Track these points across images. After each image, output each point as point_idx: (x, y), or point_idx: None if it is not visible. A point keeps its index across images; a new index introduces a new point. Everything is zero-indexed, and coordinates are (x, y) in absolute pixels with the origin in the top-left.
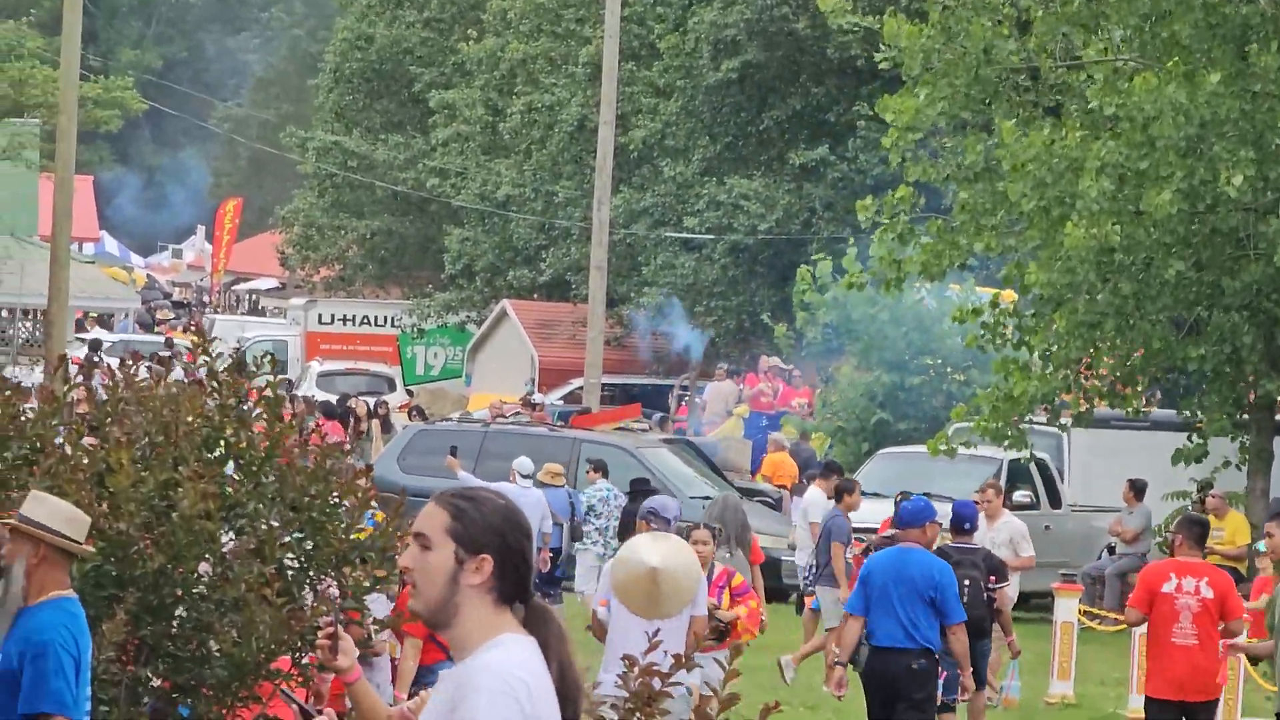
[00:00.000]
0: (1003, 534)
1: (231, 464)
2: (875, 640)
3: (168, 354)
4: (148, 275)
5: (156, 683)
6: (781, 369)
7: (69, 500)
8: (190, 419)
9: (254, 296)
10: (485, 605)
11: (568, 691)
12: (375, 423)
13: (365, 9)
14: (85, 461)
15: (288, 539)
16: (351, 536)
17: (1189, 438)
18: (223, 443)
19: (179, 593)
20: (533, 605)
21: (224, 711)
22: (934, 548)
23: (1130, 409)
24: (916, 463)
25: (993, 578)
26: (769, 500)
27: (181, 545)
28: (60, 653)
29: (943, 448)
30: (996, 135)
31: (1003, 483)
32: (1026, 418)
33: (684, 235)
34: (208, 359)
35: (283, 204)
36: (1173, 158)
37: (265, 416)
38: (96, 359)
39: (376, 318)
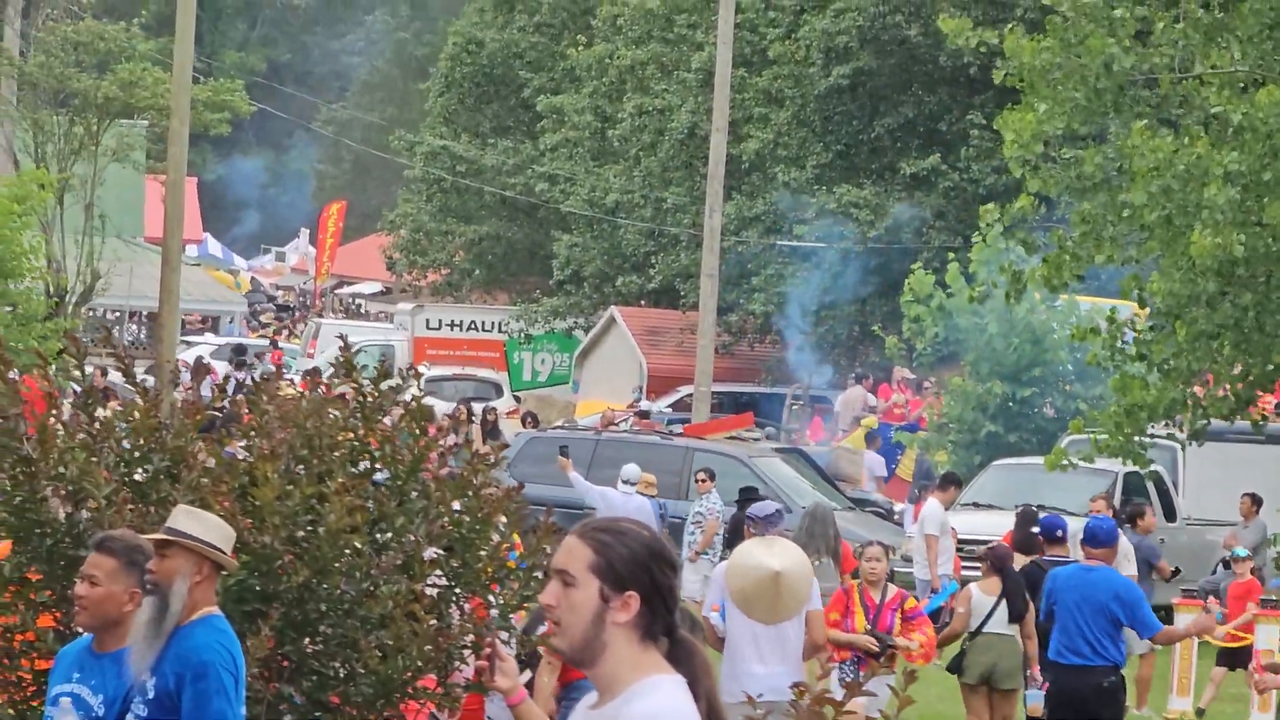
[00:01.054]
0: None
1: (380, 474)
2: (1062, 659)
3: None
4: (251, 279)
5: (300, 700)
6: (911, 380)
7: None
8: (336, 432)
9: (357, 300)
10: (632, 643)
11: None
12: (475, 428)
13: (478, 12)
14: (228, 474)
15: (435, 556)
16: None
17: None
18: (368, 456)
19: (323, 608)
20: (678, 640)
21: None
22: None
23: (1254, 422)
24: (1030, 475)
25: None
26: (880, 510)
27: (326, 560)
28: (221, 673)
29: (1062, 462)
30: (1119, 143)
31: (1118, 496)
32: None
33: (795, 243)
34: (353, 370)
35: (388, 208)
36: None
37: (411, 430)
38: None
39: (484, 323)
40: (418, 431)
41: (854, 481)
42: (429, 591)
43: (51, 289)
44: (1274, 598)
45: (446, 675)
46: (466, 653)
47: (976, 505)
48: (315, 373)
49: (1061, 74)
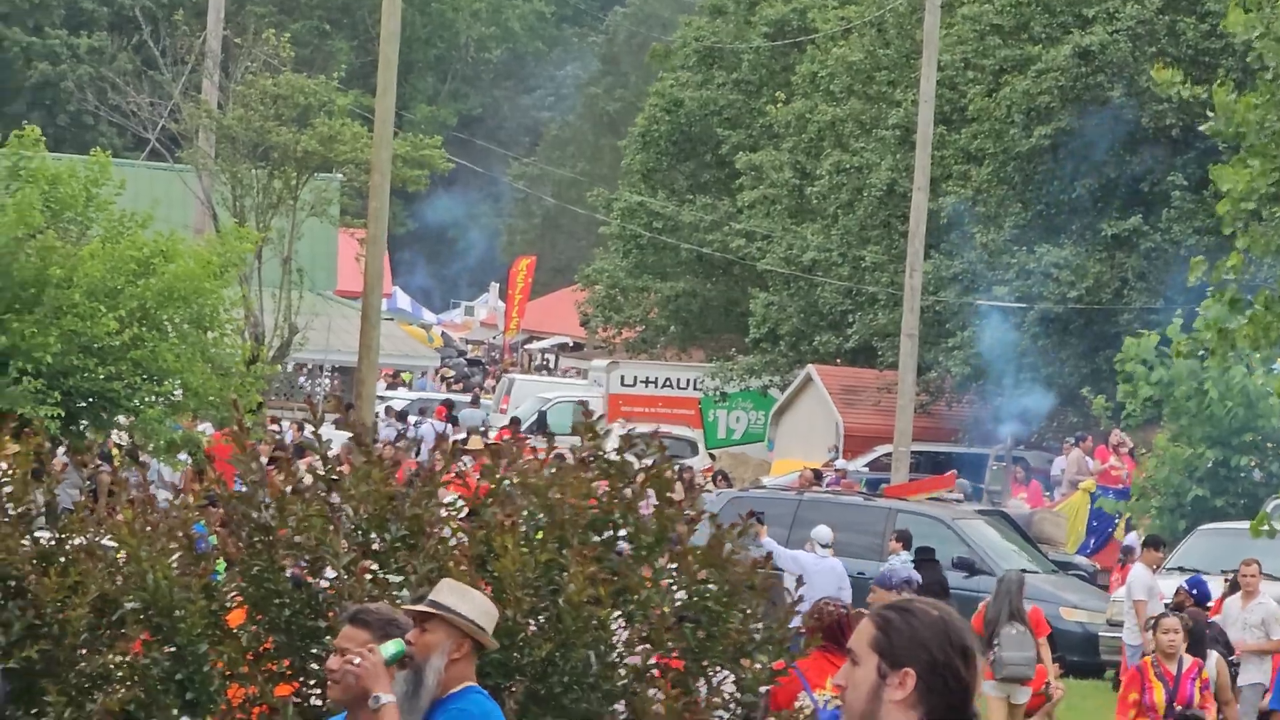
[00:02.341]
0: (1255, 615)
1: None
2: None
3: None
4: (442, 333)
5: None
6: (1127, 443)
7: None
8: (576, 501)
9: (545, 355)
10: None
11: None
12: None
13: (677, 71)
14: (467, 543)
15: (680, 627)
16: (751, 627)
17: None
18: (612, 525)
19: (566, 681)
20: None
21: None
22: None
23: None
24: (1237, 540)
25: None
26: (1084, 574)
27: (570, 632)
28: None
29: (1264, 528)
30: None
31: None
32: None
33: (994, 303)
34: (595, 438)
35: (578, 262)
36: None
37: (655, 499)
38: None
39: (679, 380)
40: (661, 500)
41: (1057, 544)
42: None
43: (248, 342)
44: None
45: None
46: None
47: (1182, 570)
48: (515, 423)
49: (1272, 134)
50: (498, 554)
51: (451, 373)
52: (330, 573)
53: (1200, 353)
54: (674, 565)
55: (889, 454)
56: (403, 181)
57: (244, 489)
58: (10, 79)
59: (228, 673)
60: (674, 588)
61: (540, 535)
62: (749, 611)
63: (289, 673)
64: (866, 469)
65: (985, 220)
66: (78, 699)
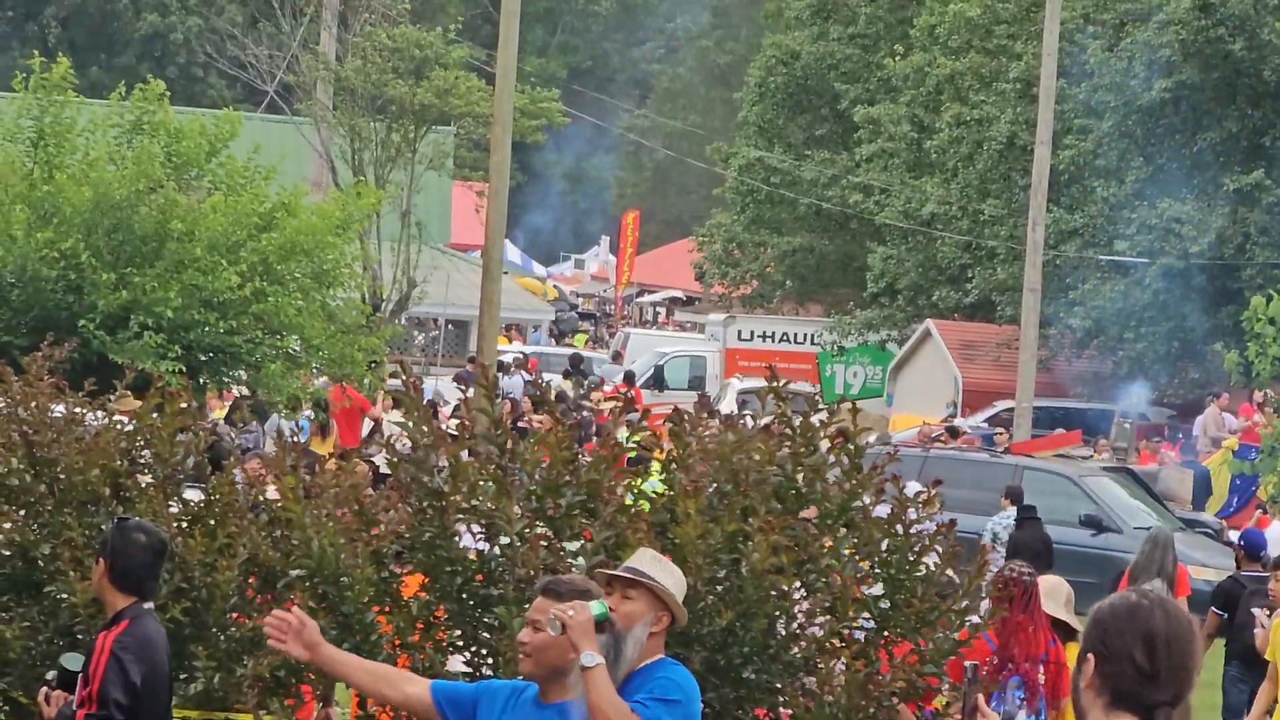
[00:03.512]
0: None
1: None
2: None
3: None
4: (555, 286)
5: None
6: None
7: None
8: (761, 467)
9: (657, 309)
10: (1096, 708)
11: None
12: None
13: (792, 23)
14: (647, 510)
15: (864, 596)
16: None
17: None
18: (794, 493)
19: (746, 652)
20: (1157, 713)
21: None
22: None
23: None
24: None
25: None
26: (1210, 531)
27: (751, 602)
28: (692, 705)
29: None
30: None
31: None
32: None
33: (1115, 258)
34: (781, 402)
35: (688, 215)
36: None
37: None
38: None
39: (796, 335)
40: (849, 466)
41: (1183, 502)
42: (857, 635)
43: (368, 297)
44: None
45: None
46: (895, 700)
47: None
48: (630, 376)
49: None
50: (679, 520)
51: (586, 328)
52: (504, 539)
53: None
54: (855, 536)
55: (1008, 409)
56: (520, 134)
57: (416, 452)
58: (120, 30)
59: (397, 641)
60: (856, 557)
61: (724, 502)
62: (930, 582)
63: (460, 643)
64: (986, 424)
65: (1106, 174)
66: (227, 663)
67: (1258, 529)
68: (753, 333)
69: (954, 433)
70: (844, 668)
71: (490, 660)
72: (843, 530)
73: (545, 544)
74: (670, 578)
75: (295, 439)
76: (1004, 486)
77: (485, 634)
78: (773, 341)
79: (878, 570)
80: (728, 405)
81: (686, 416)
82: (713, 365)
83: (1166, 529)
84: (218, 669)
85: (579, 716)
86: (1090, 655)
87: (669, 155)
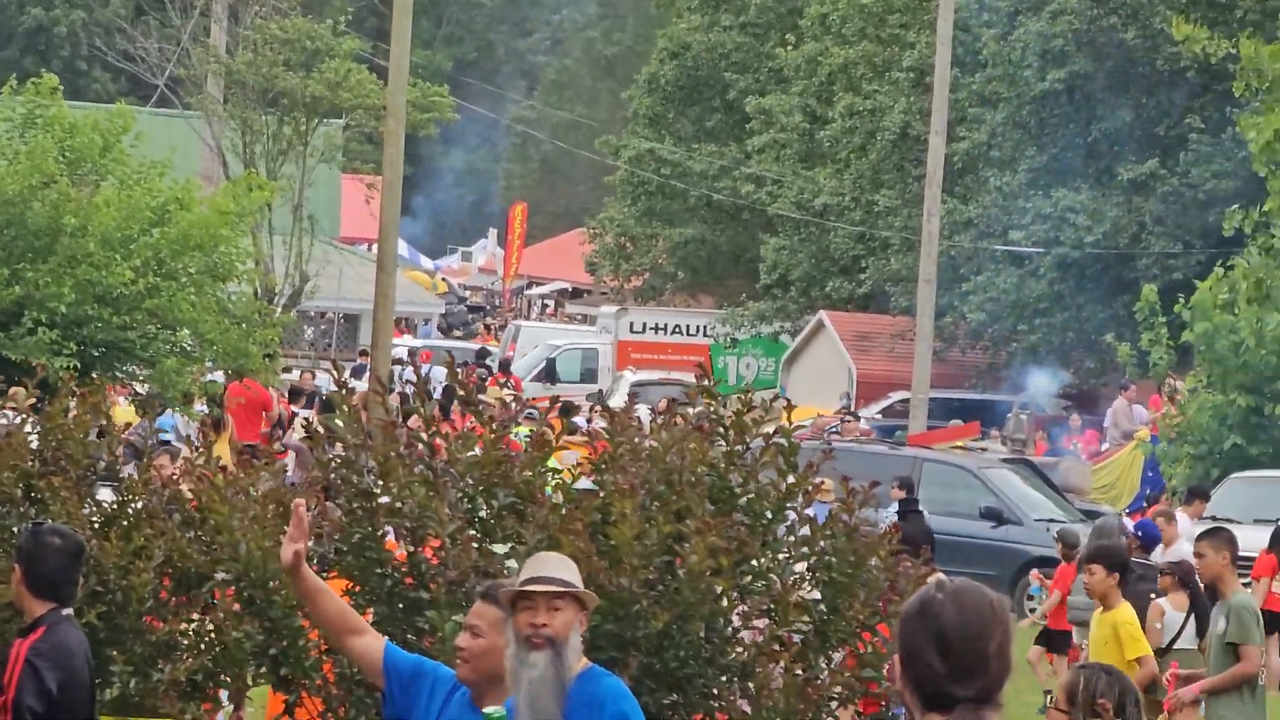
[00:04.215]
0: (1174, 559)
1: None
2: None
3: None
4: (445, 280)
5: None
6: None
7: (565, 554)
8: (695, 467)
9: (545, 301)
10: (916, 709)
11: None
12: None
13: (684, 11)
14: (580, 511)
15: (803, 600)
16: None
17: None
18: (728, 493)
19: (683, 655)
20: (957, 710)
21: None
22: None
23: None
24: (1271, 488)
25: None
26: None
27: (688, 604)
28: None
29: None
30: None
31: None
32: None
33: (1010, 248)
34: (712, 401)
35: (576, 207)
36: None
37: (775, 465)
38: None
39: (688, 327)
40: (784, 466)
41: (1083, 494)
42: (796, 639)
43: (260, 291)
44: None
45: None
46: (834, 705)
47: (1214, 519)
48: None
49: None
50: (615, 522)
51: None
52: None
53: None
54: (792, 538)
55: (902, 400)
56: (412, 127)
57: (346, 452)
58: (3, 24)
59: (324, 646)
60: (790, 560)
61: (657, 502)
62: (873, 586)
63: None
64: (880, 416)
65: (1000, 164)
66: (143, 668)
67: (1151, 522)
68: (645, 325)
69: (855, 416)
70: (783, 671)
71: None
72: (780, 531)
73: (476, 546)
74: (575, 575)
75: (193, 435)
76: (903, 479)
77: (415, 638)
78: (665, 334)
79: (819, 574)
80: (620, 398)
81: (616, 416)
82: (605, 358)
83: (1113, 518)
84: (134, 674)
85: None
86: (896, 657)
87: (556, 147)
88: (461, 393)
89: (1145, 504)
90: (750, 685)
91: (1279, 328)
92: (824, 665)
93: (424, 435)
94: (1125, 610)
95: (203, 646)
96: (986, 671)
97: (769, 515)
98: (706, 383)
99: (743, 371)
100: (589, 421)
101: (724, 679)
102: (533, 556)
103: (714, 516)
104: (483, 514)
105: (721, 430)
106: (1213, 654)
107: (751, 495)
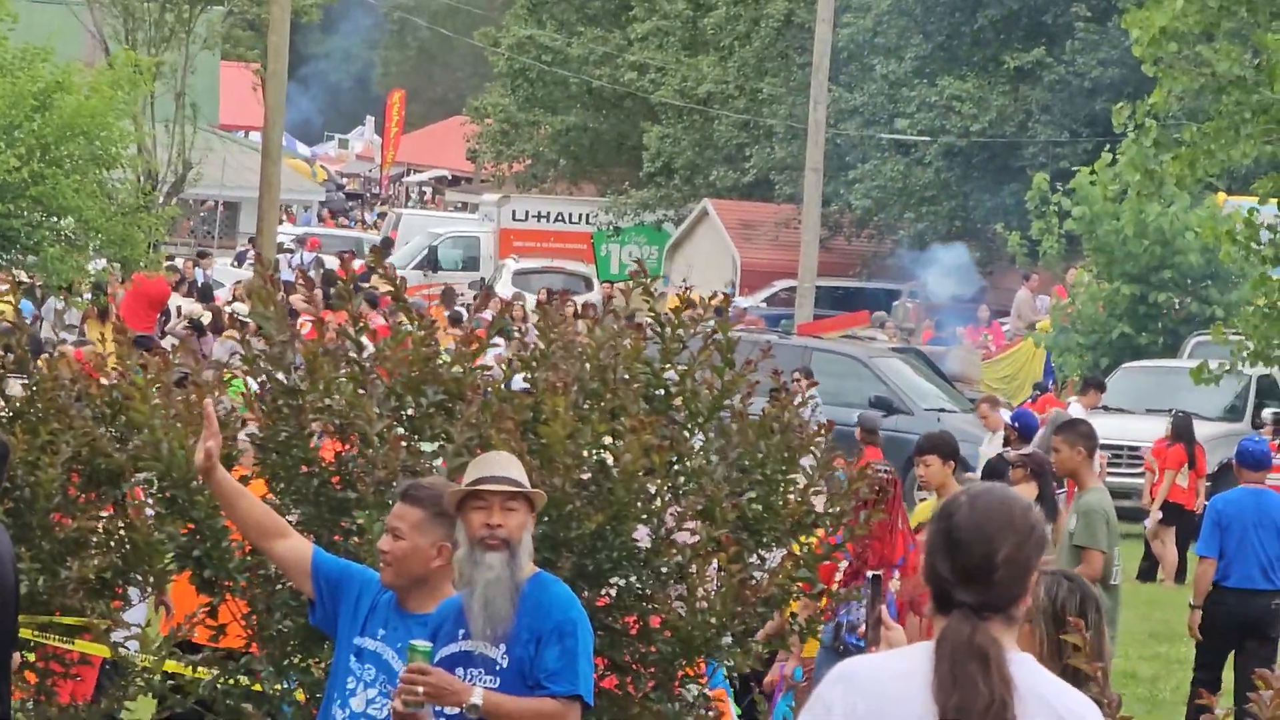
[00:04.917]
0: (995, 448)
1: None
2: (1230, 582)
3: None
4: (324, 167)
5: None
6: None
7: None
8: (630, 364)
9: (423, 189)
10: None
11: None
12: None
13: None
14: (511, 409)
15: (737, 500)
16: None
17: None
18: (663, 392)
19: (616, 557)
20: (955, 613)
21: (664, 692)
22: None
23: None
24: (1160, 378)
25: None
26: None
27: (621, 504)
28: (587, 634)
29: (1205, 375)
30: (1254, 37)
31: (1250, 400)
32: None
33: (895, 136)
34: (649, 300)
35: (455, 95)
36: None
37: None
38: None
39: (571, 215)
40: (721, 363)
41: (973, 382)
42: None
43: (143, 178)
44: None
45: (748, 633)
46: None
47: (1106, 409)
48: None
49: None
50: (547, 420)
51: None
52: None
53: (1123, 192)
54: (722, 440)
55: (787, 289)
56: (296, 13)
57: (270, 348)
58: None
59: (248, 548)
60: (723, 461)
61: (590, 400)
62: (808, 485)
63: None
64: (765, 304)
65: (886, 52)
66: (51, 565)
67: (1032, 411)
68: (527, 213)
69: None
70: (718, 572)
71: None
72: (712, 433)
73: (405, 445)
74: (524, 474)
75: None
76: (792, 369)
77: (341, 539)
78: (548, 221)
79: (756, 476)
80: (504, 286)
81: (549, 310)
82: (487, 246)
83: (1063, 414)
84: (42, 571)
85: (485, 629)
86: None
87: (435, 33)
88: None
89: (1036, 394)
90: (684, 587)
91: (1159, 218)
92: (760, 565)
93: (351, 331)
94: None
95: (112, 544)
96: (991, 580)
97: (704, 414)
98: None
99: (625, 259)
100: (473, 310)
101: (657, 581)
102: (480, 456)
103: (649, 415)
104: (410, 412)
105: (658, 328)
106: (1061, 552)
107: (687, 394)
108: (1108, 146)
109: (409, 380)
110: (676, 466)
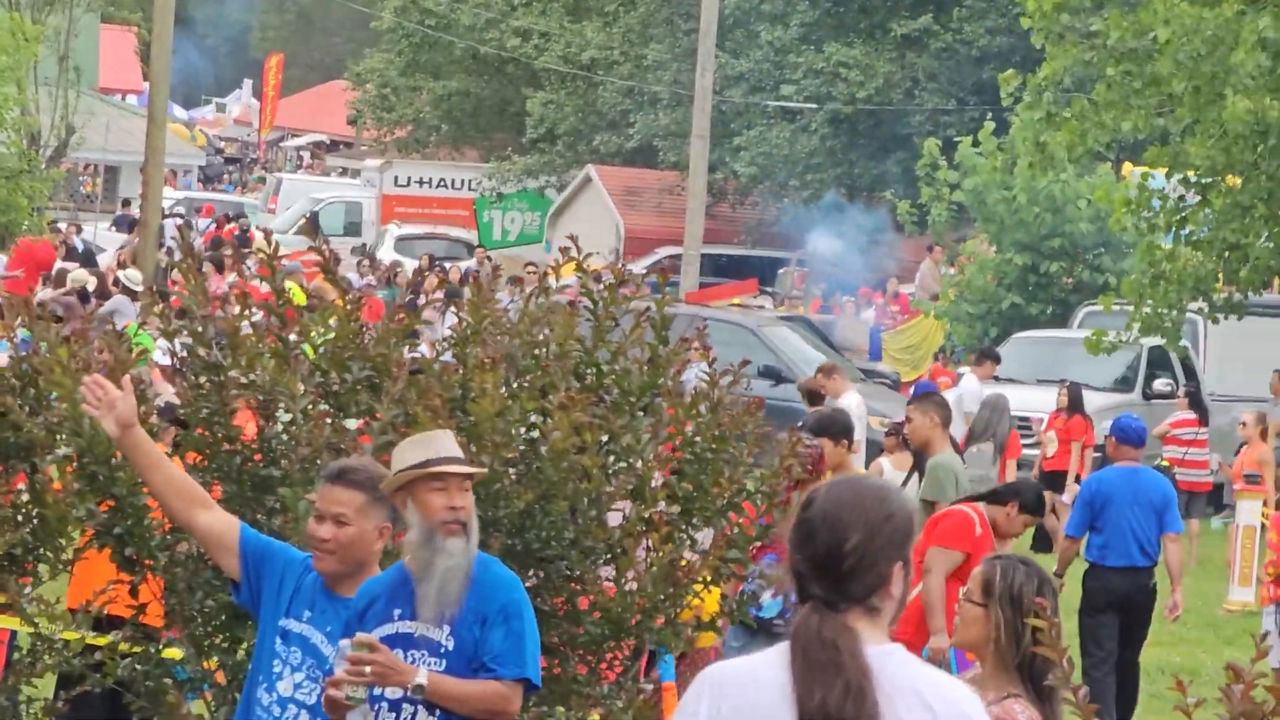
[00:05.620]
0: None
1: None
2: (1109, 561)
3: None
4: (203, 131)
5: None
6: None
7: (424, 430)
8: (562, 341)
9: (301, 153)
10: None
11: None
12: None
13: None
14: (439, 386)
15: (667, 480)
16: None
17: None
18: (595, 370)
19: (545, 537)
20: (804, 606)
21: (594, 675)
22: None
23: None
24: (1052, 348)
25: None
26: (886, 382)
27: (551, 483)
28: (532, 615)
29: (1103, 345)
30: (1143, 10)
31: (1141, 371)
32: (1177, 307)
33: (781, 103)
34: (582, 275)
35: (332, 60)
36: None
37: (645, 340)
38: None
39: (454, 180)
40: (655, 341)
41: (860, 351)
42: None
43: (27, 143)
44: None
45: (678, 614)
46: (701, 588)
47: (998, 379)
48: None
49: None
50: (476, 397)
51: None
52: (285, 416)
53: (1009, 159)
54: (652, 419)
55: (671, 256)
56: None
57: (194, 323)
58: None
59: (168, 525)
60: (654, 439)
61: (522, 379)
62: (739, 464)
63: None
64: (647, 272)
65: (772, 18)
66: None
67: (929, 380)
68: (410, 178)
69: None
70: (649, 552)
71: None
72: (641, 413)
73: (330, 421)
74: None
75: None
76: (679, 338)
77: (265, 517)
78: (430, 187)
79: (688, 457)
80: (386, 252)
81: (478, 284)
82: (369, 211)
83: (1004, 396)
84: None
85: (435, 612)
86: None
87: None
88: (228, 250)
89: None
90: (616, 567)
91: (1051, 184)
92: (690, 546)
93: (275, 305)
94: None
95: (20, 519)
96: (840, 570)
97: (635, 392)
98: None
99: (508, 226)
100: (362, 278)
101: (587, 561)
102: (422, 434)
103: (581, 393)
104: (335, 388)
105: (591, 305)
106: None
107: (619, 372)
108: (990, 115)
109: (334, 356)
110: (608, 445)
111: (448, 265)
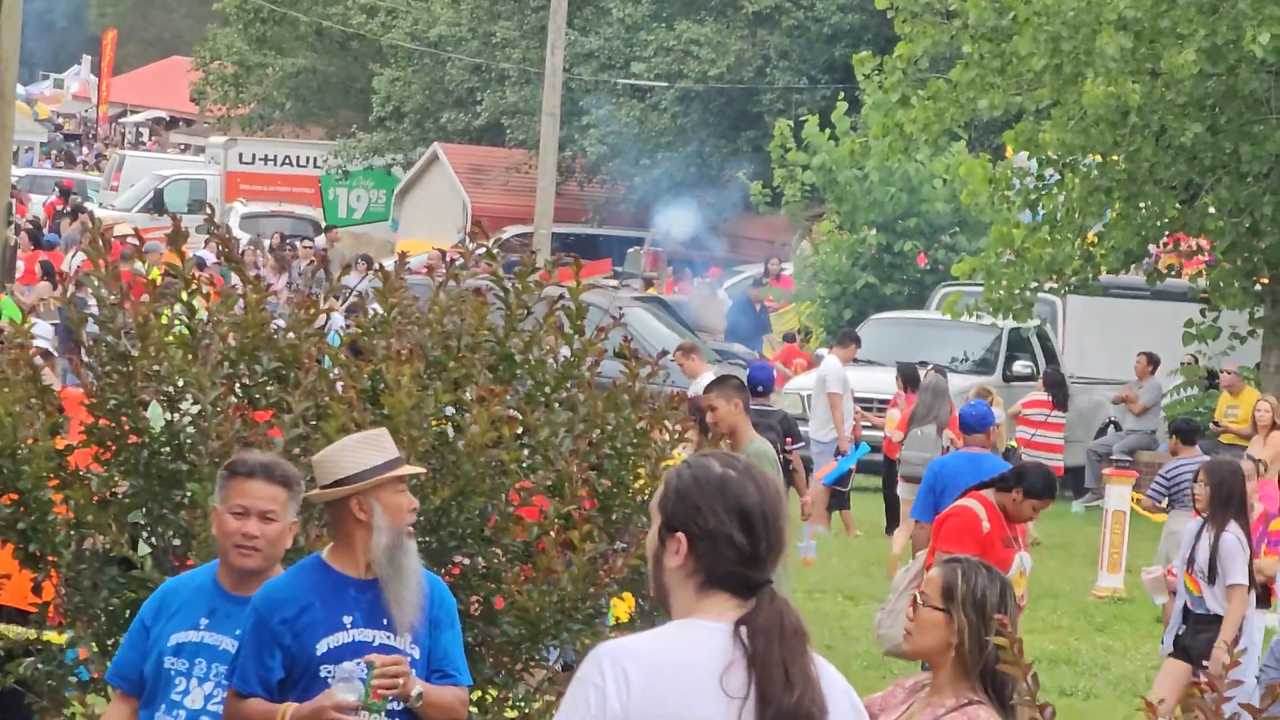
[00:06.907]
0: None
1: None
2: None
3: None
4: (43, 106)
5: None
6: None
7: (336, 425)
8: (475, 331)
9: (140, 130)
10: (687, 590)
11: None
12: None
13: None
14: (351, 379)
15: (587, 476)
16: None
17: (1201, 311)
18: (508, 360)
19: (460, 534)
20: (762, 598)
21: (512, 677)
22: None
23: (1150, 276)
24: (909, 329)
25: (789, 439)
26: (741, 363)
27: (469, 479)
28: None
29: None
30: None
31: (1001, 352)
32: (1030, 286)
33: (632, 81)
34: (492, 262)
35: (171, 35)
36: (1194, 15)
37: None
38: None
39: (299, 158)
40: (571, 332)
41: (716, 332)
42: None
43: None
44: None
45: (598, 615)
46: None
47: (857, 361)
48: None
49: None
50: (389, 390)
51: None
52: (194, 407)
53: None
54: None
55: (519, 235)
56: None
57: (101, 312)
58: None
59: (73, 517)
60: (577, 433)
61: (434, 370)
62: (659, 459)
63: (144, 522)
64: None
65: None
66: None
67: (767, 364)
68: (255, 156)
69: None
70: (568, 550)
71: (178, 542)
72: (557, 405)
73: (241, 415)
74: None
75: None
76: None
77: (172, 513)
78: (275, 165)
79: (607, 451)
80: (234, 228)
81: (387, 273)
82: (214, 189)
83: (943, 379)
84: None
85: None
86: (680, 535)
87: None
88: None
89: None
90: (534, 566)
91: (905, 164)
92: (610, 544)
93: (184, 294)
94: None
95: None
96: (779, 554)
97: (551, 384)
98: (491, 241)
99: (354, 204)
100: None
101: (504, 560)
102: (365, 433)
103: (497, 386)
104: (245, 380)
105: (503, 293)
106: None
107: (533, 362)
108: (842, 94)
109: (243, 347)
110: (524, 440)
111: (298, 244)
